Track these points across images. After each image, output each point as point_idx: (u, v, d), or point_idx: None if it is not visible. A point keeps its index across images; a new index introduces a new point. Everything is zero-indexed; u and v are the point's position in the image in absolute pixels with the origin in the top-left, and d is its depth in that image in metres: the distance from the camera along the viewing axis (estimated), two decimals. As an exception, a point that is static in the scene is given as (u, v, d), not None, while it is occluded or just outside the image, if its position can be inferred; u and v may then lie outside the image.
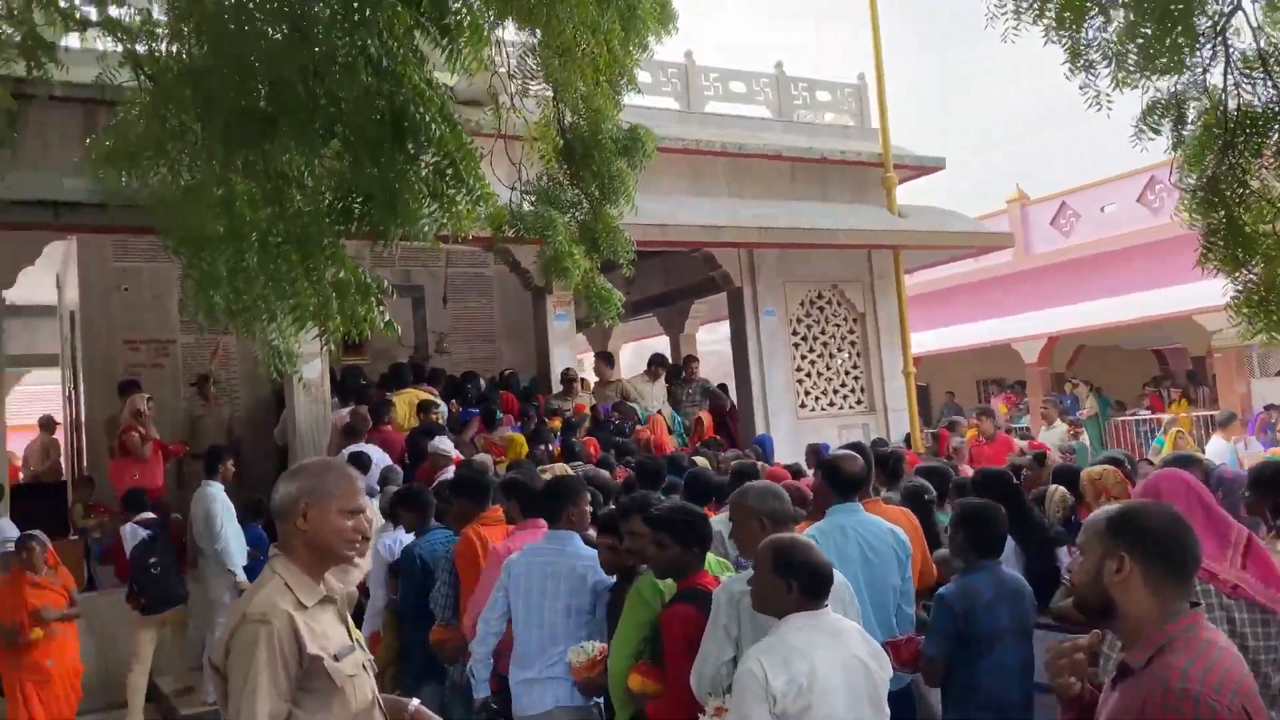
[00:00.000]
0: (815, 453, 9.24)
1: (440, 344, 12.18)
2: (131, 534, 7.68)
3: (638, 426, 9.86)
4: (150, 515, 7.78)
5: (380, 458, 8.06)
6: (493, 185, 5.69)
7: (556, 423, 9.40)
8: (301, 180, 4.39)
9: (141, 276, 11.32)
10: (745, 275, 11.69)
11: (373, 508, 7.14)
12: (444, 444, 8.09)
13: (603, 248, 7.94)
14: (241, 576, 7.25)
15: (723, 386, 11.85)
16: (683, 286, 14.67)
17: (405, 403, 9.31)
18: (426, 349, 12.73)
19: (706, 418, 11.04)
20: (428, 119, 4.06)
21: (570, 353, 10.69)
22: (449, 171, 4.33)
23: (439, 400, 9.20)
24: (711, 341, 17.49)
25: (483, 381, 10.39)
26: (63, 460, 12.31)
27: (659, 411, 10.51)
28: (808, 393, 12.07)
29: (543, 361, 10.72)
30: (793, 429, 11.50)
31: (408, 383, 9.43)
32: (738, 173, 11.68)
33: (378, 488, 7.61)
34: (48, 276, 13.82)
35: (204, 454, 7.70)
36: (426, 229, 4.26)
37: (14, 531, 7.04)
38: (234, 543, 7.26)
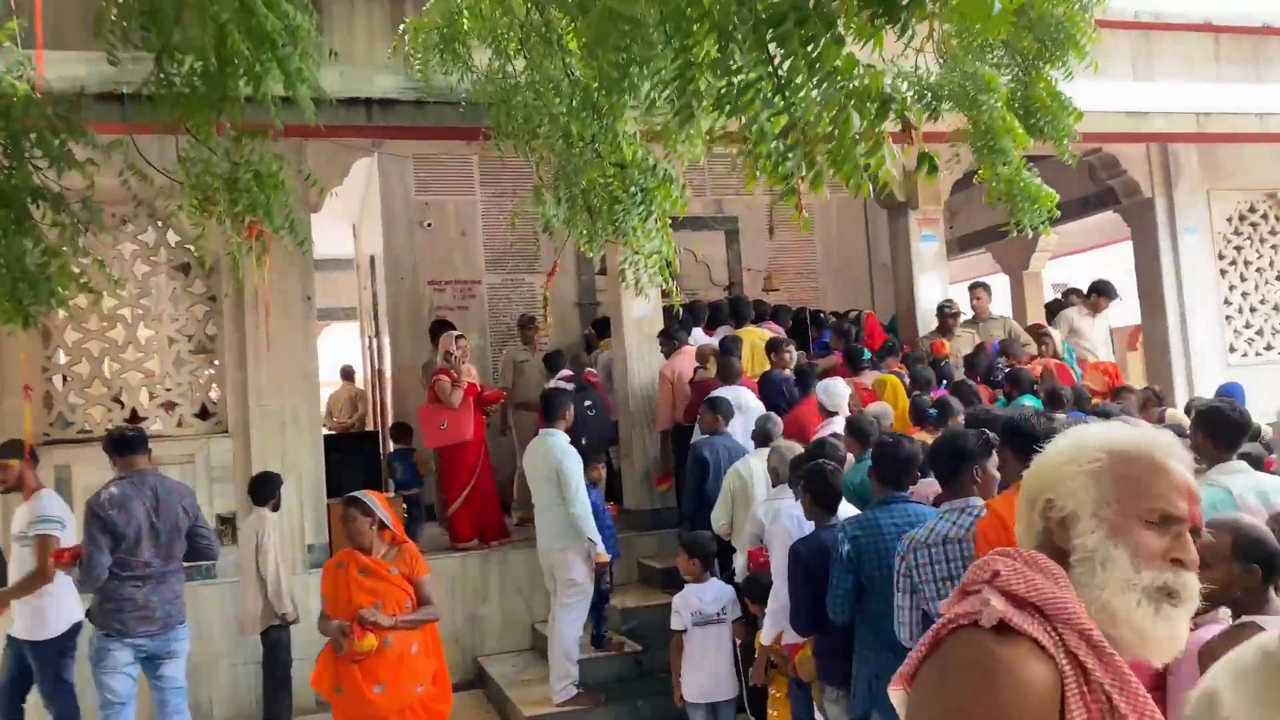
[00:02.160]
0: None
1: (769, 280, 10.48)
2: None
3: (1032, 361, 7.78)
4: (568, 372, 7.89)
5: (750, 402, 6.46)
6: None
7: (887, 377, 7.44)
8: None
9: (446, 212, 10.36)
10: (1158, 183, 9.20)
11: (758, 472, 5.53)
12: (836, 388, 6.36)
13: (1041, 124, 5.91)
14: (601, 547, 5.86)
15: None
16: (1057, 203, 12.24)
17: (747, 343, 7.68)
18: (741, 288, 11.10)
19: (1110, 364, 8.75)
20: None
21: (940, 282, 8.67)
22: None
23: (789, 339, 7.50)
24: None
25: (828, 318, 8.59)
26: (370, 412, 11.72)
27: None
28: (1237, 333, 9.43)
29: (904, 294, 8.77)
30: (1222, 380, 8.93)
31: (746, 319, 7.75)
32: (1145, 50, 9.14)
33: (752, 444, 6.02)
34: (344, 228, 13.41)
35: (538, 401, 6.36)
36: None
37: (57, 509, 5.18)
38: (588, 504, 5.88)
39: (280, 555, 6.00)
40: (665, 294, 9.68)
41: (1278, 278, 9.54)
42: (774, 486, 5.32)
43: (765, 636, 4.50)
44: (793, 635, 4.38)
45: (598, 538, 5.88)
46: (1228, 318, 9.36)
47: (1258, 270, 9.50)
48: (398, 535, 4.55)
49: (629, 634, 6.60)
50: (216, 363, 7.02)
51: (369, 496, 4.53)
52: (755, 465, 5.84)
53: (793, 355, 7.24)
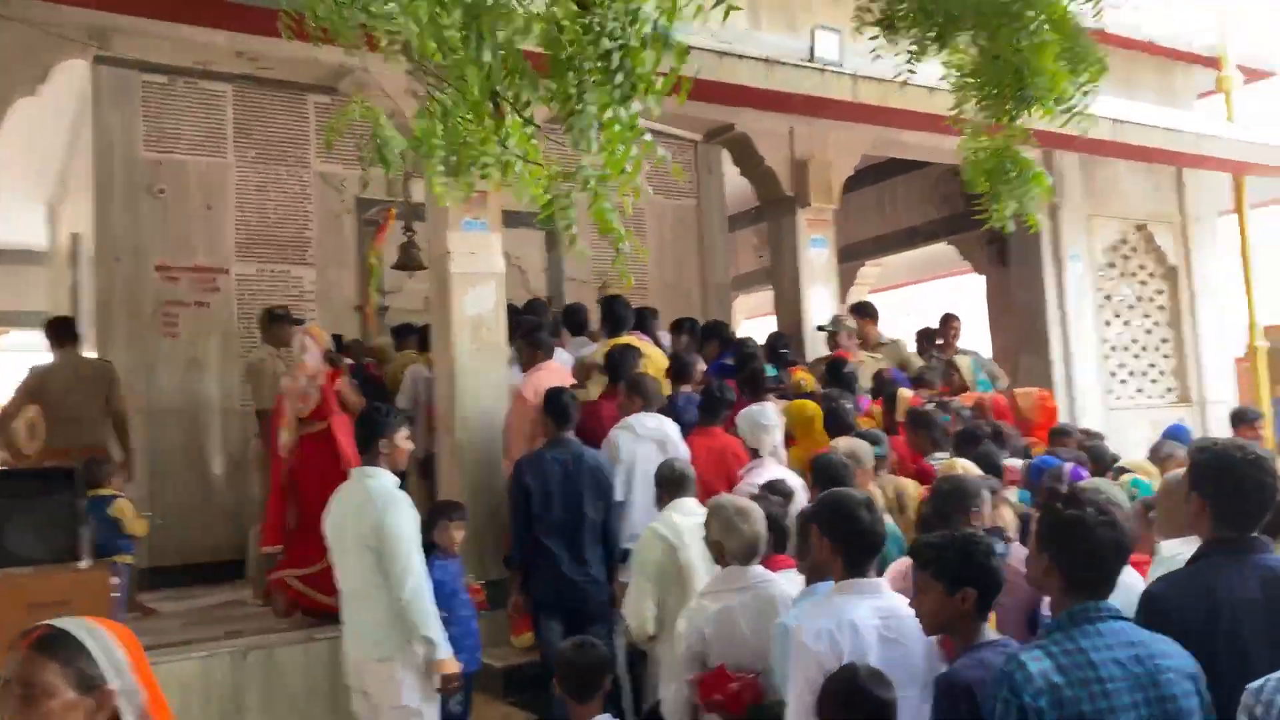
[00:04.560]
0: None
1: (605, 288, 8.66)
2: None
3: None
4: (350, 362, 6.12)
5: (675, 435, 4.62)
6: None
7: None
8: None
9: (185, 176, 7.78)
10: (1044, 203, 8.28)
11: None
12: (766, 417, 4.65)
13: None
14: (445, 650, 3.75)
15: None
16: (878, 235, 11.37)
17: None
18: (562, 300, 9.24)
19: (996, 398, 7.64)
20: None
21: (831, 297, 7.21)
22: None
23: (688, 357, 5.70)
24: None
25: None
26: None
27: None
28: (1112, 374, 8.66)
29: (789, 309, 7.24)
30: (1103, 425, 8.08)
31: (625, 326, 5.88)
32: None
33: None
34: (33, 209, 10.40)
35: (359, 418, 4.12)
36: None
37: None
38: (427, 586, 3.76)
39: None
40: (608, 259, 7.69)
41: (1145, 315, 8.90)
42: (722, 566, 3.46)
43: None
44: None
45: (440, 635, 3.79)
46: (1105, 356, 8.58)
47: (1128, 307, 8.82)
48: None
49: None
50: None
51: (97, 632, 1.72)
52: (683, 523, 3.99)
53: (698, 375, 5.47)
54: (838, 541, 2.86)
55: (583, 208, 3.10)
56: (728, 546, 3.37)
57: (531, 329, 5.52)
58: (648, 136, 2.59)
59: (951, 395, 6.59)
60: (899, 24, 4.17)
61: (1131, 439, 7.92)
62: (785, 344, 6.42)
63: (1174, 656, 2.13)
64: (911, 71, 4.18)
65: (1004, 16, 3.85)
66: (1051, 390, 8.08)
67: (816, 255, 7.09)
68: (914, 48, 4.30)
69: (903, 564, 3.23)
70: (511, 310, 5.97)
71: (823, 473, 3.99)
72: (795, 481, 4.41)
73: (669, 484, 4.21)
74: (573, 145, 2.65)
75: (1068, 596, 2.22)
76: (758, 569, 3.39)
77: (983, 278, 10.40)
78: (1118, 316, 8.70)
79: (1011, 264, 8.62)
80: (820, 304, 7.06)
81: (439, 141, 3.42)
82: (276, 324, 6.73)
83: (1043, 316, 8.20)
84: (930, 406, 5.46)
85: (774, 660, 3.08)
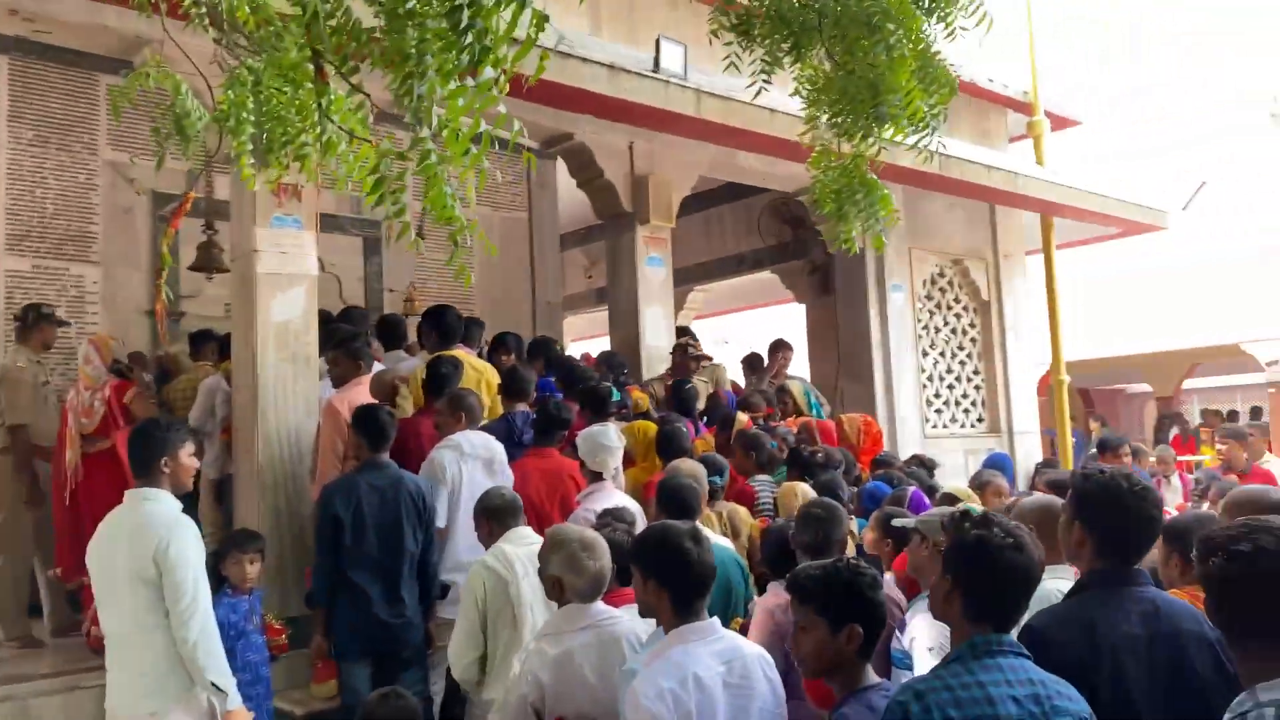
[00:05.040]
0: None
1: (411, 302, 8.14)
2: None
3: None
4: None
5: (502, 456, 4.22)
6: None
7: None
8: None
9: (-60, 151, 6.80)
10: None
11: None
12: (608, 439, 4.33)
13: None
14: (237, 700, 3.23)
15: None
16: (703, 262, 11.36)
17: (470, 369, 5.37)
18: (381, 310, 8.68)
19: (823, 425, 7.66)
20: None
21: (667, 317, 7.01)
22: None
23: (525, 372, 5.31)
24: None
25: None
26: None
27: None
28: (929, 403, 8.88)
29: (625, 328, 6.98)
30: (920, 453, 8.25)
31: (455, 339, 5.43)
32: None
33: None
34: None
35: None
36: None
37: None
38: (212, 625, 3.23)
39: None
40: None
41: (960, 348, 9.18)
42: (559, 604, 3.12)
43: None
44: None
45: (230, 683, 3.27)
46: (923, 385, 8.77)
47: (944, 339, 9.08)
48: None
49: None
50: None
51: None
52: (516, 553, 3.62)
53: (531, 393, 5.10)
54: (664, 581, 2.57)
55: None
56: (571, 584, 3.02)
57: (348, 339, 5.02)
58: (502, 109, 2.24)
59: (783, 419, 6.52)
60: (755, 31, 4.00)
61: (948, 466, 8.12)
62: (624, 363, 6.16)
63: (1071, 699, 2.00)
64: (766, 83, 4.01)
65: (863, 29, 3.74)
66: (875, 416, 8.20)
67: (654, 274, 6.89)
68: (767, 59, 4.15)
69: (777, 598, 2.99)
70: (324, 318, 5.44)
71: (672, 497, 3.72)
72: (634, 508, 4.13)
73: (498, 514, 3.81)
74: (412, 118, 2.27)
75: (969, 625, 2.05)
76: (600, 606, 3.06)
77: (803, 306, 10.53)
78: (934, 348, 8.94)
79: (837, 293, 8.71)
80: (656, 323, 6.86)
81: (249, 115, 2.98)
82: (45, 323, 5.87)
83: (866, 345, 8.30)
84: (757, 430, 5.32)
85: (620, 709, 2.76)
